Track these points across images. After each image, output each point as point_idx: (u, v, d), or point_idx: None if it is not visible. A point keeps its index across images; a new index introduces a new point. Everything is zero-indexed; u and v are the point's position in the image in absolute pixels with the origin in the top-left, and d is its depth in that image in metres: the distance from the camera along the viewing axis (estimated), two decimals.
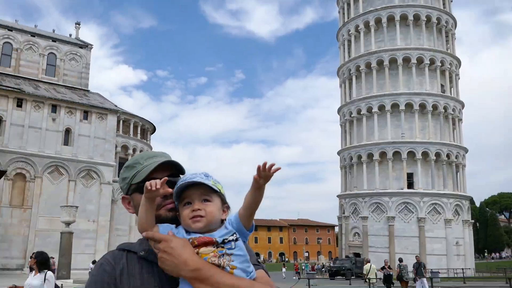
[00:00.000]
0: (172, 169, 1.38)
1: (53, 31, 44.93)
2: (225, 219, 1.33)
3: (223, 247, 1.21)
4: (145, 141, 46.13)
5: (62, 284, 15.54)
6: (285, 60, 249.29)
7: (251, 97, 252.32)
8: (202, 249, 1.20)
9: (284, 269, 46.24)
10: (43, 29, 44.50)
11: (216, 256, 1.19)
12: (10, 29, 40.28)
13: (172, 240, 1.19)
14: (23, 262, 27.88)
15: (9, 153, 32.51)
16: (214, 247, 1.20)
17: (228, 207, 1.37)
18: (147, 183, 1.20)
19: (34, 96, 34.61)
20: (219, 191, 1.33)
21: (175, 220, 1.32)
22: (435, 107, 44.16)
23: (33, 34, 41.45)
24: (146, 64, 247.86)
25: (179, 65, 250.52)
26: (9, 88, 33.97)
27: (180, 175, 1.41)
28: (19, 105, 34.09)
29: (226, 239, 1.23)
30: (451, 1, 49.94)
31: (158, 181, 1.22)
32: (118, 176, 1.50)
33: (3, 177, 29.83)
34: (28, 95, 34.34)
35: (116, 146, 40.24)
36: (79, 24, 47.18)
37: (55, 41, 42.23)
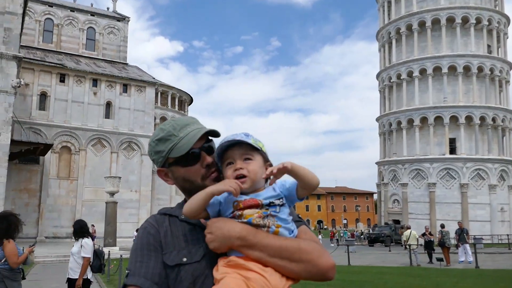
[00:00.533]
0: (207, 135, 1.36)
1: (91, 5, 45.58)
2: (269, 178, 1.30)
3: (267, 209, 1.22)
4: (183, 112, 46.80)
5: (109, 251, 16.35)
6: (322, 26, 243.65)
7: (287, 65, 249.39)
8: (247, 211, 1.21)
9: (320, 237, 46.61)
10: (81, 3, 45.25)
11: (260, 217, 1.20)
12: (51, 5, 41.18)
13: (213, 222, 1.23)
14: (71, 230, 29.48)
15: (55, 127, 33.89)
16: (259, 209, 1.21)
17: (270, 165, 1.35)
18: (233, 189, 1.19)
19: (75, 71, 35.59)
20: (260, 149, 1.32)
21: None
22: (480, 69, 42.16)
23: (73, 9, 42.23)
24: (182, 35, 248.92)
25: (215, 35, 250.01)
26: (52, 64, 35.06)
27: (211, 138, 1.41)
28: (62, 80, 35.20)
29: (272, 202, 1.23)
30: None
31: (236, 184, 1.21)
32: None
33: (50, 150, 31.26)
34: (70, 70, 35.35)
35: (155, 118, 41.05)
36: None
37: (93, 15, 42.92)
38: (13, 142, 25.69)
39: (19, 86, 25.46)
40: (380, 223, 46.21)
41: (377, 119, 49.62)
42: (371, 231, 44.45)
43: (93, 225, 28.28)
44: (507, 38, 45.51)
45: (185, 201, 1.38)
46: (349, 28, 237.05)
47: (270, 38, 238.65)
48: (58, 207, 33.00)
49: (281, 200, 1.26)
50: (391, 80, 46.20)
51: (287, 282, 1.18)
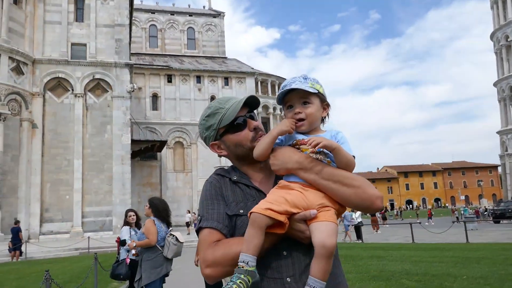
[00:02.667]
0: (249, 105, 1.50)
1: (189, 6, 48.01)
2: (326, 116, 1.47)
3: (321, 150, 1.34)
4: None
5: None
6: None
7: (390, 37, 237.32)
8: (303, 146, 1.36)
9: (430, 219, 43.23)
10: (180, 6, 47.93)
11: (314, 152, 1.33)
12: (153, 11, 44.29)
13: (276, 149, 1.40)
14: (189, 219, 31.58)
15: (167, 124, 36.61)
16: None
17: (328, 105, 1.47)
18: (289, 129, 1.37)
19: (180, 70, 37.94)
20: (317, 92, 1.40)
21: None
22: None
23: (172, 13, 44.93)
24: (278, 22, 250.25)
25: (310, 17, 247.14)
26: (160, 67, 37.82)
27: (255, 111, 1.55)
28: (169, 80, 37.80)
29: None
30: None
31: (291, 122, 1.37)
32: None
33: (165, 146, 33.90)
34: (176, 70, 37.79)
35: None
36: None
37: (191, 16, 45.20)
38: (133, 141, 28.41)
39: (133, 91, 27.99)
40: (507, 198, 42.12)
41: (495, 84, 45.03)
42: (496, 207, 40.76)
43: (194, 213, 30.20)
44: None
45: (234, 167, 1.56)
46: None
47: (368, 12, 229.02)
48: (177, 198, 35.70)
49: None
50: (509, 39, 41.51)
51: (330, 202, 1.32)
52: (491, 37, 45.23)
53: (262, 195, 1.39)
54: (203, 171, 36.25)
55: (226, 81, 39.85)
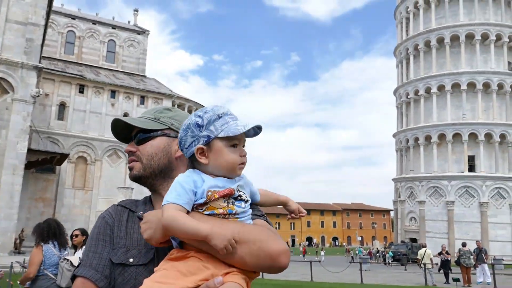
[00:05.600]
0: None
1: (113, 18, 46.53)
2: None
3: (233, 206, 1.11)
4: None
5: None
6: (342, 42, 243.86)
7: (307, 80, 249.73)
8: (213, 203, 1.10)
9: (323, 253, 46.44)
10: (104, 16, 46.27)
11: (225, 213, 1.10)
12: (74, 17, 42.19)
13: (148, 212, 1.14)
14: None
15: (72, 137, 34.39)
16: (225, 203, 1.10)
17: None
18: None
19: (95, 82, 36.20)
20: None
21: None
22: (500, 86, 41.45)
23: (94, 22, 43.17)
24: (203, 49, 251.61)
25: (235, 49, 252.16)
26: (72, 75, 35.76)
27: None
28: (81, 91, 35.83)
29: (242, 194, 1.14)
30: None
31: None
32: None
33: (66, 160, 31.66)
34: (90, 81, 35.97)
35: None
36: (137, 11, 48.53)
37: (114, 28, 43.78)
38: (30, 151, 26.09)
39: (38, 96, 25.94)
40: (397, 241, 45.31)
41: (394, 135, 49.05)
42: (386, 249, 43.60)
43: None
44: None
45: (148, 199, 1.31)
46: (369, 44, 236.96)
47: (290, 53, 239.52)
48: (72, 217, 33.25)
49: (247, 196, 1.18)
50: (409, 96, 45.74)
51: (231, 268, 1.04)
52: (394, 92, 49.52)
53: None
54: (106, 191, 34.35)
55: (142, 99, 38.79)
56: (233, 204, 1.11)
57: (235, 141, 1.12)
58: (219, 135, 1.10)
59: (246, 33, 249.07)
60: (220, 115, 1.12)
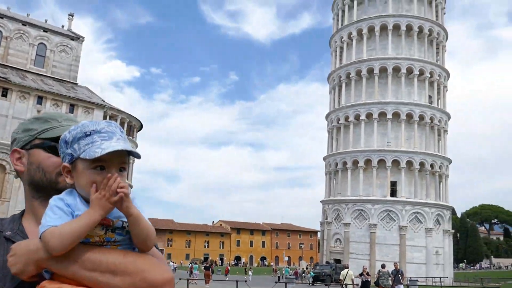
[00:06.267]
0: None
1: (45, 21, 44.43)
2: None
3: (113, 233, 1.02)
4: (131, 138, 45.80)
5: None
6: (279, 64, 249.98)
7: (243, 100, 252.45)
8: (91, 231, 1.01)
9: (250, 272, 46.98)
10: (36, 18, 44.02)
11: (101, 241, 1.01)
12: (1, 16, 39.76)
13: (17, 243, 1.03)
14: None
15: None
16: (103, 230, 1.01)
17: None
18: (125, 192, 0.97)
19: (20, 86, 34.18)
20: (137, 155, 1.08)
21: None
22: (421, 117, 44.60)
23: (25, 23, 40.95)
24: (140, 61, 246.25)
25: (174, 64, 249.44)
26: None
27: None
28: (4, 95, 33.63)
29: (124, 222, 1.03)
30: (444, 14, 50.58)
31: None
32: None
33: None
34: (14, 85, 33.90)
35: None
36: (72, 16, 46.74)
37: (46, 31, 41.78)
38: None
39: None
40: (322, 262, 46.53)
41: (324, 159, 50.82)
42: (307, 270, 44.65)
43: None
44: (447, 90, 48.71)
45: (22, 213, 1.21)
46: (305, 69, 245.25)
47: (228, 72, 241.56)
48: None
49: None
50: (339, 122, 47.80)
51: None
52: (326, 117, 51.55)
53: None
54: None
55: (72, 108, 37.15)
56: (112, 232, 1.02)
57: (101, 163, 1.00)
58: (81, 156, 1.01)
59: (185, 49, 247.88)
60: (88, 133, 1.01)
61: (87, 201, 1.02)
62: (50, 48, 41.54)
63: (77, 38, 43.79)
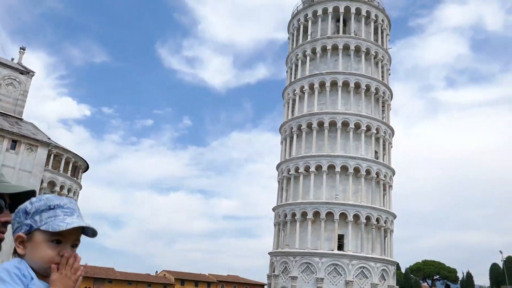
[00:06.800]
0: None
1: None
2: None
3: None
4: (75, 178, 43.91)
5: None
6: (234, 112, 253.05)
7: (196, 145, 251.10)
8: None
9: None
10: None
11: None
12: None
13: None
14: None
15: None
16: None
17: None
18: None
19: None
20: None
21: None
22: (368, 171, 45.95)
23: None
24: (93, 100, 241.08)
25: (127, 105, 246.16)
26: None
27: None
28: None
29: None
30: (389, 74, 53.70)
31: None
32: None
33: None
34: None
35: (42, 181, 37.91)
36: (24, 49, 45.62)
37: None
38: None
39: None
40: None
41: (274, 209, 50.70)
42: None
43: None
44: (391, 147, 50.85)
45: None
46: (258, 118, 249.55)
47: (182, 116, 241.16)
48: None
49: None
50: (290, 173, 48.29)
51: None
52: (277, 167, 52.00)
53: None
54: None
55: (14, 144, 35.44)
56: None
57: (59, 237, 1.05)
58: (41, 228, 1.05)
59: (140, 91, 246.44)
60: (52, 207, 1.06)
61: (36, 272, 1.03)
62: None
63: (27, 72, 42.57)
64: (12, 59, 44.01)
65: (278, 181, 51.30)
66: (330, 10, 51.09)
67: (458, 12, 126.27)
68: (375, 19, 51.92)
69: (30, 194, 1.12)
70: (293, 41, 54.76)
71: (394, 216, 48.14)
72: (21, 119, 40.88)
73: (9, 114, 39.82)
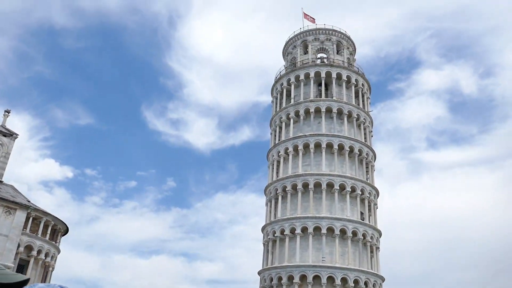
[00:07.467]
0: None
1: None
2: None
3: None
4: (53, 242, 42.44)
5: None
6: (218, 174, 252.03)
7: (179, 207, 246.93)
8: None
9: None
10: None
11: None
12: None
13: None
14: None
15: None
16: None
17: None
18: None
19: None
20: None
21: None
22: (354, 233, 45.47)
23: None
24: (75, 161, 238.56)
25: (111, 166, 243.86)
26: None
27: None
28: None
29: None
30: (372, 136, 54.79)
31: None
32: None
33: None
34: None
35: (18, 245, 36.51)
36: (8, 112, 45.59)
37: None
38: None
39: None
40: None
41: (259, 273, 49.26)
42: None
43: None
44: (377, 208, 50.76)
45: None
46: (242, 180, 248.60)
47: (166, 178, 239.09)
48: None
49: None
50: (275, 235, 47.49)
51: None
52: (262, 229, 51.17)
53: None
54: None
55: None
56: None
57: None
58: None
59: (124, 152, 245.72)
60: None
61: None
62: None
63: (10, 134, 42.30)
64: None
65: (264, 244, 50.28)
66: (312, 75, 52.93)
67: (434, 76, 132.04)
68: (355, 83, 53.81)
69: (22, 282, 1.12)
70: (276, 104, 56.08)
71: (383, 279, 47.10)
72: (1, 182, 40.04)
73: None
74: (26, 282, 1.14)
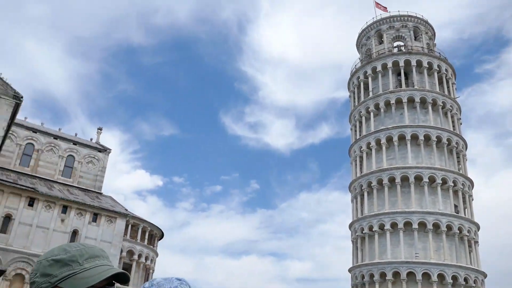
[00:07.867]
0: (113, 277, 1.17)
1: (75, 134, 46.82)
2: None
3: None
4: (151, 246, 45.07)
5: None
6: (300, 173, 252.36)
7: (265, 208, 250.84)
8: None
9: None
10: (66, 132, 46.47)
11: None
12: (35, 131, 42.11)
13: None
14: None
15: (12, 252, 31.76)
16: None
17: None
18: None
19: (46, 196, 34.84)
20: None
21: None
22: (449, 227, 43.12)
23: (56, 137, 43.14)
24: (164, 170, 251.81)
25: (196, 173, 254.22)
26: (24, 187, 34.41)
27: (114, 282, 1.18)
28: (31, 204, 34.18)
29: None
30: (461, 124, 51.52)
31: None
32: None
33: (2, 276, 28.82)
34: (41, 195, 34.59)
35: (121, 251, 39.23)
36: (101, 130, 49.25)
37: (75, 144, 43.74)
38: None
39: None
40: None
41: (350, 270, 48.48)
42: None
43: None
44: (472, 200, 47.67)
45: None
46: (325, 178, 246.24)
47: (249, 181, 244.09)
48: None
49: None
50: (363, 231, 46.46)
51: None
52: (350, 226, 50.30)
53: None
54: None
55: (95, 217, 37.27)
56: None
57: None
58: None
59: (207, 159, 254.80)
60: None
61: None
62: (78, 159, 43.14)
63: (104, 150, 45.59)
64: (91, 139, 47.57)
65: (352, 241, 49.41)
66: (389, 65, 51.02)
67: None
68: (438, 69, 51.00)
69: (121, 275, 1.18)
70: (354, 98, 54.83)
71: (485, 275, 44.11)
72: (100, 193, 43.30)
73: (89, 189, 42.41)
74: (128, 278, 1.18)
